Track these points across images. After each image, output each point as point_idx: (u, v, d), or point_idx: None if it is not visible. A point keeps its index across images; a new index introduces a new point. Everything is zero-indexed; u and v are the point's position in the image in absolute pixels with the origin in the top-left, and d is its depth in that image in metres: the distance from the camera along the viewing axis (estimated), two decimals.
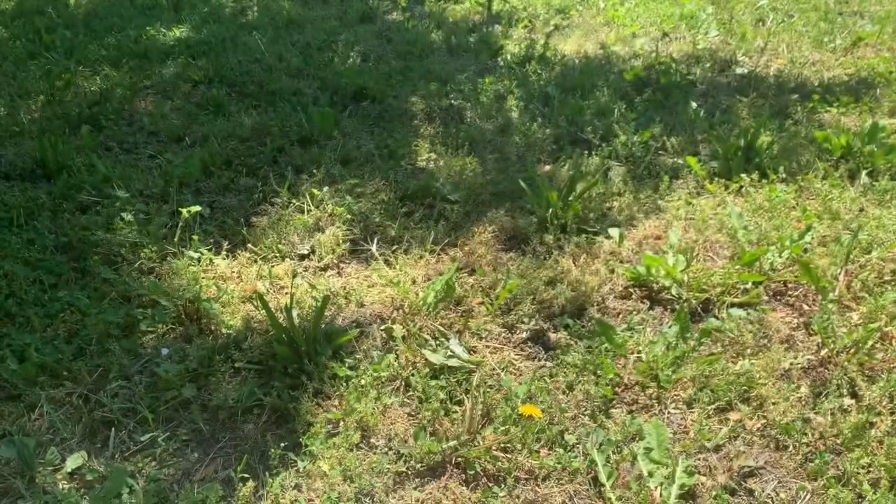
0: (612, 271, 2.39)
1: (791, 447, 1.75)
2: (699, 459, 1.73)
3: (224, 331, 2.15)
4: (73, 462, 1.74)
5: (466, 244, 2.55)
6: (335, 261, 2.52)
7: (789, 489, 1.66)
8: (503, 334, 2.15)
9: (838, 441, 1.75)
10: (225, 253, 2.51)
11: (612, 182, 2.92)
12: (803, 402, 1.87)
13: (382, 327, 2.16)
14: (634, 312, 2.22)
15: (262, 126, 3.38)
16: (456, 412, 1.84)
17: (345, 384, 1.94)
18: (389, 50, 4.44)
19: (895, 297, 2.12)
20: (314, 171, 3.00)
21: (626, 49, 4.41)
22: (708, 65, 4.09)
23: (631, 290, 2.32)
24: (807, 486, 1.66)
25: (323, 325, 2.10)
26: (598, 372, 1.96)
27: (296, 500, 1.64)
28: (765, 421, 1.82)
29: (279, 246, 2.55)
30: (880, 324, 2.04)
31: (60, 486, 1.68)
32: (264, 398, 1.90)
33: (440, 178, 2.92)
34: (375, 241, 2.60)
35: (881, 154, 2.87)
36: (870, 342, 1.98)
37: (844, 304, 2.19)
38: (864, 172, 2.83)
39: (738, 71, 4.02)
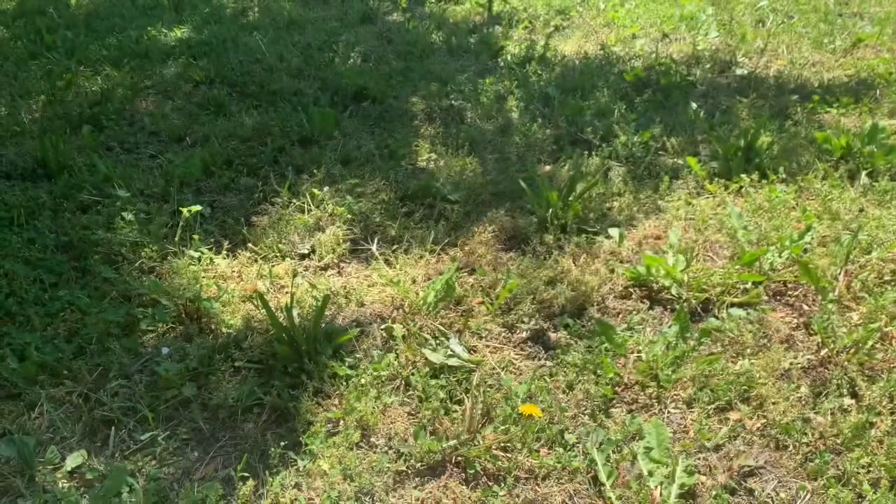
0: (612, 271, 2.39)
1: (791, 447, 1.75)
2: (699, 459, 1.73)
3: (224, 330, 2.15)
4: (72, 461, 1.74)
5: (466, 244, 2.55)
6: (335, 260, 2.52)
7: (789, 489, 1.66)
8: (503, 334, 2.16)
9: (838, 441, 1.75)
10: (225, 252, 2.51)
11: (612, 182, 2.92)
12: (803, 402, 1.87)
13: (382, 327, 2.16)
14: (634, 312, 2.22)
15: (263, 126, 3.38)
16: (456, 411, 1.84)
17: (345, 383, 1.94)
18: (390, 50, 4.44)
19: (895, 298, 2.12)
20: (315, 170, 3.00)
21: (627, 50, 4.42)
22: (708, 66, 4.10)
23: (631, 289, 2.32)
24: (807, 486, 1.66)
25: (323, 325, 2.10)
26: (598, 371, 1.97)
27: (296, 499, 1.64)
28: (765, 420, 1.82)
29: (279, 245, 2.55)
30: (880, 324, 2.04)
31: (60, 485, 1.69)
32: (264, 397, 1.90)
33: (440, 178, 2.92)
34: (376, 240, 2.60)
35: (881, 155, 2.88)
36: (870, 342, 1.98)
37: (844, 305, 2.19)
38: (863, 173, 2.83)
39: (738, 72, 4.02)
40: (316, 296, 2.28)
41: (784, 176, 2.85)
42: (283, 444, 1.77)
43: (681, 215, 2.67)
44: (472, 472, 1.70)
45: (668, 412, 1.88)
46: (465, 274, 2.39)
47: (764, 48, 4.29)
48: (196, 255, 2.46)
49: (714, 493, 1.63)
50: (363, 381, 1.93)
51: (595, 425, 1.82)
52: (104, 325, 2.13)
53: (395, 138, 3.32)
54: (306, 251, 2.56)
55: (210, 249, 2.51)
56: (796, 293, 2.27)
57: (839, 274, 2.27)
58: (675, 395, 1.91)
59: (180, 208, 2.61)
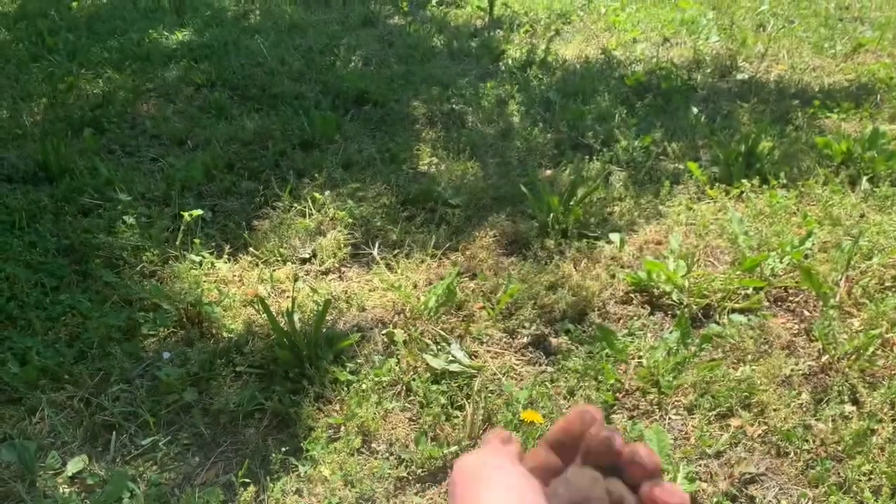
0: (613, 276, 2.39)
1: (792, 454, 1.75)
2: (700, 466, 1.73)
3: (225, 335, 2.15)
4: (74, 466, 1.74)
5: (468, 248, 2.55)
6: (336, 265, 2.52)
7: (790, 496, 1.66)
8: (504, 339, 2.16)
9: (839, 448, 1.75)
10: (227, 256, 2.51)
11: (613, 187, 2.92)
12: (804, 409, 1.87)
13: (384, 332, 2.16)
14: (635, 318, 2.23)
15: (264, 130, 3.38)
16: (457, 417, 1.84)
17: (346, 389, 1.94)
18: (391, 54, 4.45)
19: None
20: (316, 174, 3.01)
21: (627, 54, 4.42)
22: (709, 70, 4.10)
23: (632, 295, 2.32)
24: (808, 494, 1.66)
25: (324, 330, 2.10)
26: (599, 377, 1.97)
27: None
28: (766, 427, 1.82)
29: (281, 250, 2.56)
30: (881, 330, 2.04)
31: (61, 490, 1.68)
32: (265, 402, 1.90)
33: (442, 183, 2.92)
34: (377, 245, 2.60)
35: (882, 160, 2.88)
36: (871, 349, 1.98)
37: (845, 311, 2.19)
38: (864, 178, 2.83)
39: (739, 76, 4.03)
40: (317, 300, 2.28)
41: (785, 181, 2.85)
42: (284, 449, 1.77)
43: (682, 220, 2.68)
44: None
45: (669, 418, 1.88)
46: (467, 279, 2.39)
47: (765, 53, 4.30)
48: (197, 259, 2.46)
49: (715, 500, 1.64)
50: (364, 386, 1.93)
51: None
52: (105, 330, 2.13)
53: (397, 142, 3.32)
54: (307, 255, 2.56)
55: (211, 253, 2.51)
56: (797, 299, 2.27)
57: (840, 280, 2.27)
58: (675, 401, 1.92)
59: (182, 212, 2.61)
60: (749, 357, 2.03)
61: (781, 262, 2.35)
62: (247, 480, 1.69)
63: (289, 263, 2.51)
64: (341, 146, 3.27)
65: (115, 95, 3.75)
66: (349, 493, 1.66)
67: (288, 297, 2.31)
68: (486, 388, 1.95)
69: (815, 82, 3.94)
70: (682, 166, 3.06)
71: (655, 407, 1.90)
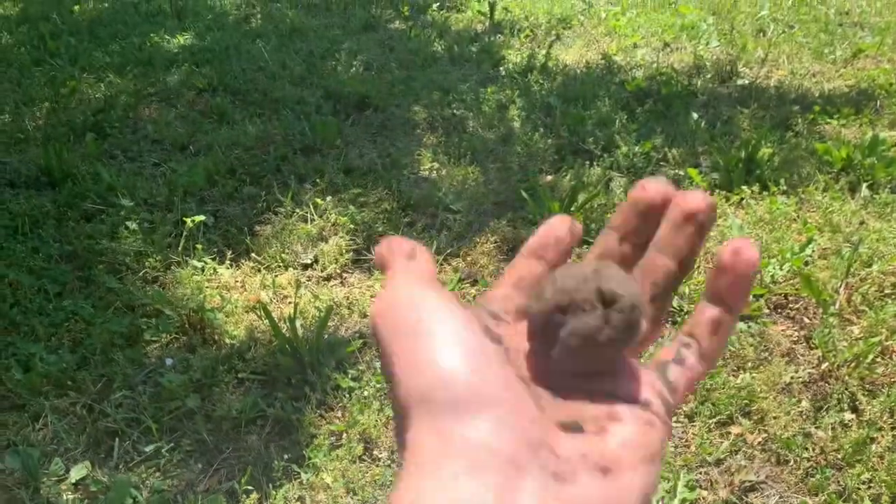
0: None
1: (792, 462, 1.76)
2: (700, 473, 1.74)
3: (227, 341, 2.16)
4: (77, 472, 1.75)
5: (469, 254, 2.56)
6: (338, 270, 2.53)
7: None
8: None
9: (839, 456, 1.76)
10: (229, 262, 2.52)
11: (614, 193, 2.93)
12: (804, 417, 1.88)
13: None
14: None
15: (266, 135, 3.39)
16: None
17: (348, 395, 1.95)
18: (392, 59, 4.46)
19: (895, 311, 2.13)
20: (317, 180, 3.02)
21: (628, 59, 4.43)
22: (709, 75, 4.11)
23: None
24: (808, 502, 1.66)
25: (326, 336, 2.11)
26: None
27: None
28: (766, 435, 1.83)
29: (282, 255, 2.56)
30: (881, 338, 2.05)
31: (65, 497, 1.69)
32: (267, 409, 1.91)
33: (442, 188, 2.94)
34: None
35: (881, 167, 2.89)
36: (870, 356, 1.99)
37: (845, 318, 2.20)
38: (864, 185, 2.84)
39: (739, 82, 4.04)
40: (319, 306, 2.29)
41: (785, 188, 2.87)
42: (286, 456, 1.78)
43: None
44: None
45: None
46: (468, 284, 2.40)
47: (765, 58, 4.31)
48: (199, 265, 2.47)
49: None
50: (366, 393, 1.94)
51: None
52: (108, 336, 2.14)
53: (398, 147, 3.33)
54: (309, 261, 2.57)
55: (213, 259, 2.52)
56: (797, 306, 2.29)
57: (840, 287, 2.28)
58: (676, 408, 1.92)
59: (184, 218, 2.62)
60: (749, 364, 2.04)
61: (781, 269, 2.36)
62: (249, 488, 1.70)
63: (291, 269, 2.52)
64: (343, 151, 3.28)
65: (116, 100, 3.76)
66: (351, 501, 1.67)
67: (290, 302, 2.32)
68: None
69: (816, 88, 3.95)
70: (682, 172, 3.07)
71: None
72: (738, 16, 5.08)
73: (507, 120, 3.62)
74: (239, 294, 2.38)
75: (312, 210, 2.79)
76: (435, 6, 5.46)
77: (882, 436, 1.79)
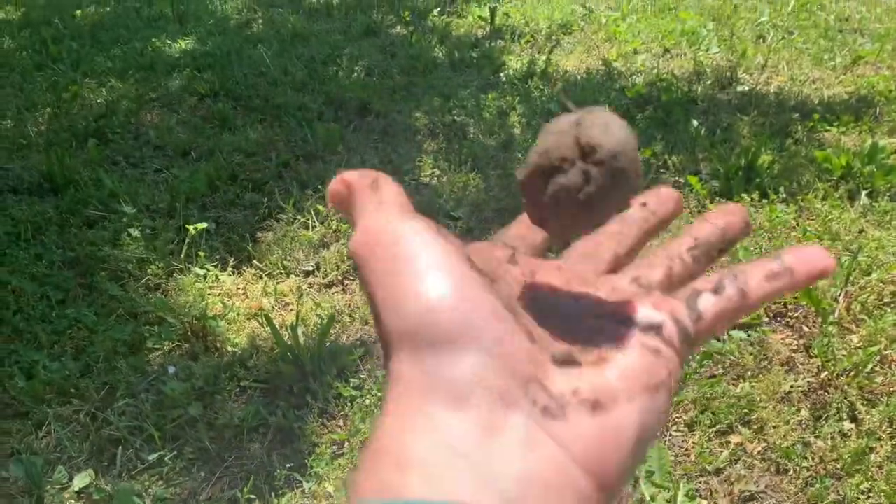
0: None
1: (791, 471, 1.77)
2: (700, 483, 1.75)
3: (230, 348, 2.17)
4: (80, 481, 1.76)
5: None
6: (339, 277, 2.54)
7: None
8: None
9: (838, 466, 1.77)
10: (230, 269, 2.53)
11: None
12: (803, 426, 1.89)
13: None
14: None
15: (268, 140, 3.41)
16: None
17: (349, 404, 1.96)
18: (393, 64, 4.47)
19: (895, 320, 2.14)
20: (319, 186, 3.03)
21: (628, 65, 4.45)
22: (709, 82, 4.13)
23: None
24: None
25: (327, 344, 2.12)
26: None
27: None
28: (765, 444, 1.84)
29: (284, 262, 2.57)
30: (880, 347, 2.06)
31: None
32: (269, 418, 1.92)
33: (443, 195, 2.95)
34: None
35: (881, 175, 2.90)
36: (869, 365, 2.00)
37: (844, 327, 2.21)
38: (863, 193, 2.85)
39: (739, 88, 4.05)
40: (320, 314, 2.30)
41: (784, 195, 2.88)
42: (288, 465, 1.79)
43: (677, 224, 2.69)
44: None
45: (670, 435, 1.90)
46: None
47: (765, 64, 4.32)
48: (202, 272, 2.48)
49: None
50: (368, 402, 1.95)
51: None
52: (111, 343, 2.15)
53: (399, 154, 3.34)
54: (310, 268, 2.58)
55: (216, 266, 2.53)
56: (796, 315, 2.30)
57: (839, 296, 2.29)
58: (676, 417, 1.93)
59: (186, 225, 2.63)
60: (749, 373, 2.05)
61: None
62: (252, 497, 1.71)
63: (292, 276, 2.53)
64: (344, 157, 3.29)
65: (118, 105, 3.78)
66: None
67: (291, 310, 2.33)
68: None
69: (815, 95, 3.96)
70: (682, 180, 3.09)
71: None
72: (738, 21, 5.09)
73: (507, 126, 3.63)
74: (241, 301, 2.39)
75: (314, 216, 2.80)
76: (436, 11, 5.47)
77: (881, 445, 1.80)
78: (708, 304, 0.33)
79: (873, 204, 2.80)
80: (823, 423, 1.89)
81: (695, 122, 3.55)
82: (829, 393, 1.98)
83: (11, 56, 4.48)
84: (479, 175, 3.16)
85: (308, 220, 2.79)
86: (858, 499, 1.67)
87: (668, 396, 0.30)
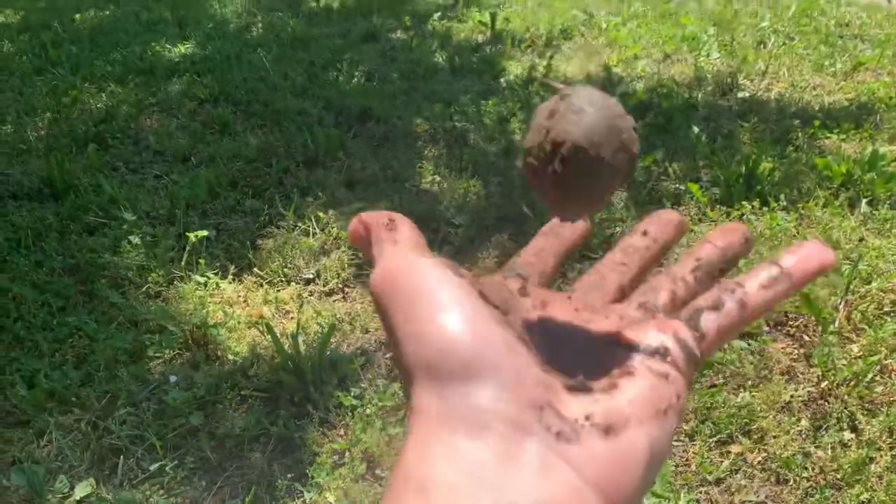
0: None
1: (792, 481, 1.77)
2: (701, 493, 1.75)
3: (230, 357, 2.17)
4: (81, 490, 1.76)
5: (470, 269, 2.57)
6: (340, 285, 2.54)
7: None
8: None
9: (838, 476, 1.77)
10: (231, 277, 2.53)
11: (615, 208, 2.95)
12: (804, 436, 1.89)
13: (387, 355, 2.18)
14: None
15: (268, 146, 3.41)
16: None
17: (350, 414, 1.96)
18: (394, 69, 4.47)
19: (895, 330, 2.15)
20: (319, 192, 3.03)
21: (629, 71, 4.45)
22: (709, 88, 4.13)
23: None
24: None
25: (328, 352, 2.12)
26: None
27: None
28: (766, 454, 1.84)
29: (285, 270, 2.58)
30: (880, 356, 2.07)
31: None
32: (270, 427, 1.92)
33: (444, 202, 2.95)
34: None
35: (881, 182, 2.91)
36: (869, 375, 2.01)
37: (844, 336, 2.22)
38: (864, 201, 2.86)
39: (740, 94, 4.06)
40: (321, 322, 2.30)
41: (785, 203, 2.88)
42: (289, 475, 1.79)
43: (683, 242, 2.70)
44: None
45: (672, 444, 1.90)
46: None
47: (765, 70, 4.33)
48: (202, 279, 2.48)
49: None
50: (368, 411, 1.95)
51: None
52: (112, 352, 2.15)
53: (400, 160, 3.35)
54: (311, 276, 2.58)
55: (216, 274, 2.53)
56: (797, 324, 2.30)
57: (839, 304, 2.30)
58: (677, 427, 1.93)
59: (186, 232, 2.63)
60: (749, 383, 2.05)
61: None
62: None
63: (293, 284, 2.53)
64: (345, 164, 3.30)
65: (118, 110, 3.78)
66: None
67: (292, 318, 2.33)
68: None
69: (816, 101, 3.97)
70: (683, 187, 3.09)
71: None
72: (738, 27, 5.10)
73: (507, 133, 3.63)
74: (241, 309, 2.39)
75: (314, 224, 2.80)
76: (436, 16, 5.48)
77: (881, 456, 1.80)
78: (710, 321, 0.35)
79: (874, 212, 2.80)
80: (823, 432, 1.89)
81: (695, 129, 3.55)
82: (829, 402, 1.99)
83: (11, 60, 4.48)
84: (480, 182, 3.16)
85: (308, 226, 2.79)
86: None
87: (677, 418, 0.32)
